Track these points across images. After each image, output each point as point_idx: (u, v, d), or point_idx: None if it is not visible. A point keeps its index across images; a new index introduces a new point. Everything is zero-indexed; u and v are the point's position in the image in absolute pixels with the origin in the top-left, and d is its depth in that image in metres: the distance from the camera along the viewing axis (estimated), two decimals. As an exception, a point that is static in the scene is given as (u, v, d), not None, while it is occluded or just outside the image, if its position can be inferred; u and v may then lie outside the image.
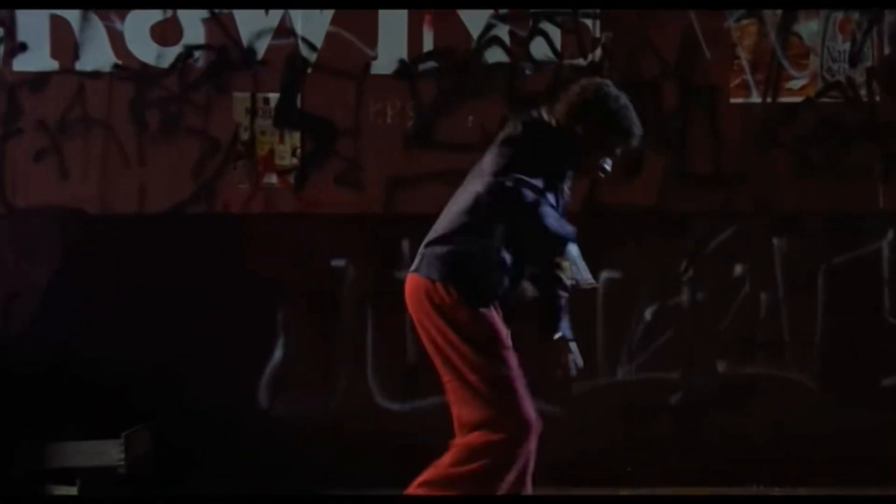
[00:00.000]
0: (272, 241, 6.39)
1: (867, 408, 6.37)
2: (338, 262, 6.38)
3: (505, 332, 4.23)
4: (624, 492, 6.06)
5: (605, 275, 6.22)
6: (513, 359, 4.24)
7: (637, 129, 4.22)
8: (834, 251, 6.41)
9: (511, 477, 4.16)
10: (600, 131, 4.19)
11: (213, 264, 6.36)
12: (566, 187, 4.33)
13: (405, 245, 6.33)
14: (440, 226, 4.31)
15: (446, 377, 4.24)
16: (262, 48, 6.45)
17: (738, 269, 6.45)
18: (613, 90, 4.26)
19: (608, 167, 4.27)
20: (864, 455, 6.28)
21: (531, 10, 6.29)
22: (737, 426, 6.37)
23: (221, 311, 6.31)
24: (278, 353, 6.41)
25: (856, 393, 6.39)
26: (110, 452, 5.86)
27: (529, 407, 4.19)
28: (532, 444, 4.16)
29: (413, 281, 4.26)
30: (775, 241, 6.44)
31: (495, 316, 4.22)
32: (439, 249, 4.21)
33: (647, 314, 6.35)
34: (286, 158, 6.42)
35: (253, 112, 6.40)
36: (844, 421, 6.36)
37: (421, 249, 4.35)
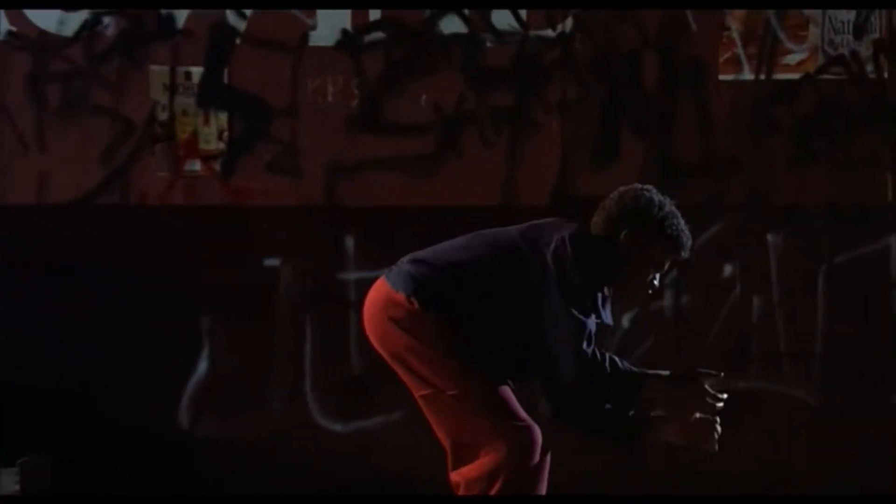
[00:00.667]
0: (195, 237, 6.22)
1: (874, 428, 6.22)
2: (271, 262, 6.22)
3: (475, 346, 4.09)
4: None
5: (575, 276, 5.97)
6: (493, 371, 4.11)
7: (687, 238, 4.12)
8: (836, 249, 6.25)
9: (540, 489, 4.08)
10: (647, 244, 4.06)
11: (127, 264, 6.16)
12: (606, 307, 4.20)
13: (349, 242, 6.20)
14: (432, 251, 4.23)
15: (421, 391, 4.11)
16: (182, 15, 6.23)
17: (728, 269, 6.28)
18: (657, 196, 4.15)
19: (657, 283, 4.13)
20: (869, 477, 6.14)
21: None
22: (726, 449, 5.65)
23: (136, 317, 6.15)
24: (202, 366, 6.22)
25: (861, 411, 6.24)
26: (4, 482, 5.69)
27: (525, 414, 4.11)
28: (538, 453, 4.05)
29: (380, 287, 4.14)
30: (770, 237, 6.26)
31: (462, 325, 4.07)
32: (415, 268, 4.10)
33: (624, 321, 6.15)
34: (211, 142, 6.25)
35: (172, 89, 6.23)
36: (848, 443, 6.23)
37: (402, 260, 4.24)
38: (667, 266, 4.14)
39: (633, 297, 4.41)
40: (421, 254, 4.20)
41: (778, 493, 6.08)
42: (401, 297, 4.04)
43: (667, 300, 6.28)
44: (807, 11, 6.21)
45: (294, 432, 6.19)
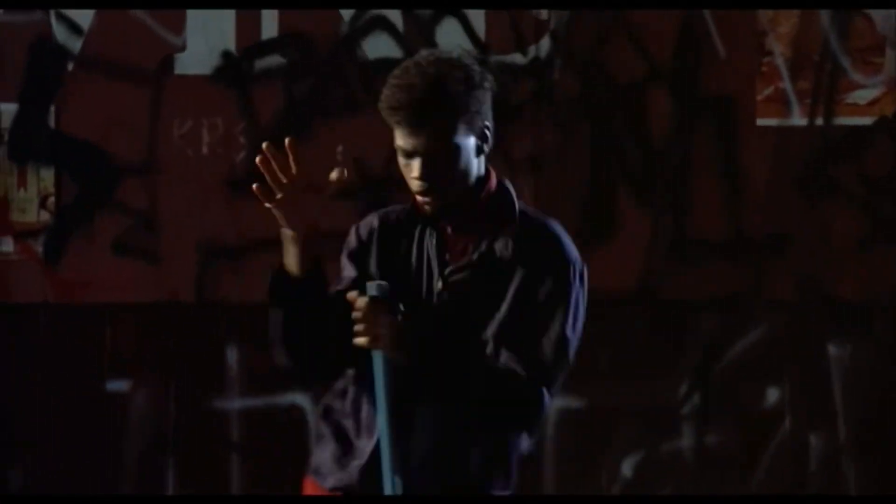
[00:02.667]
0: (6, 348, 5.70)
1: None
2: (117, 385, 5.67)
3: None
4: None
5: (556, 403, 5.74)
6: None
7: (388, 89, 3.54)
8: (931, 367, 5.93)
9: None
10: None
11: None
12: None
13: (231, 354, 5.68)
14: None
15: None
16: (-14, 26, 5.96)
17: (773, 394, 5.74)
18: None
19: (415, 175, 3.56)
20: None
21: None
22: None
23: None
24: (9, 541, 5.68)
25: None
26: None
27: None
28: None
29: None
30: (832, 348, 5.75)
31: None
32: None
33: (626, 468, 5.71)
34: (30, 211, 5.82)
35: (-30, 134, 6.02)
36: None
37: None
38: (400, 142, 3.57)
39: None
40: None
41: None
42: None
43: (685, 438, 5.76)
44: (881, 28, 5.72)
45: None
